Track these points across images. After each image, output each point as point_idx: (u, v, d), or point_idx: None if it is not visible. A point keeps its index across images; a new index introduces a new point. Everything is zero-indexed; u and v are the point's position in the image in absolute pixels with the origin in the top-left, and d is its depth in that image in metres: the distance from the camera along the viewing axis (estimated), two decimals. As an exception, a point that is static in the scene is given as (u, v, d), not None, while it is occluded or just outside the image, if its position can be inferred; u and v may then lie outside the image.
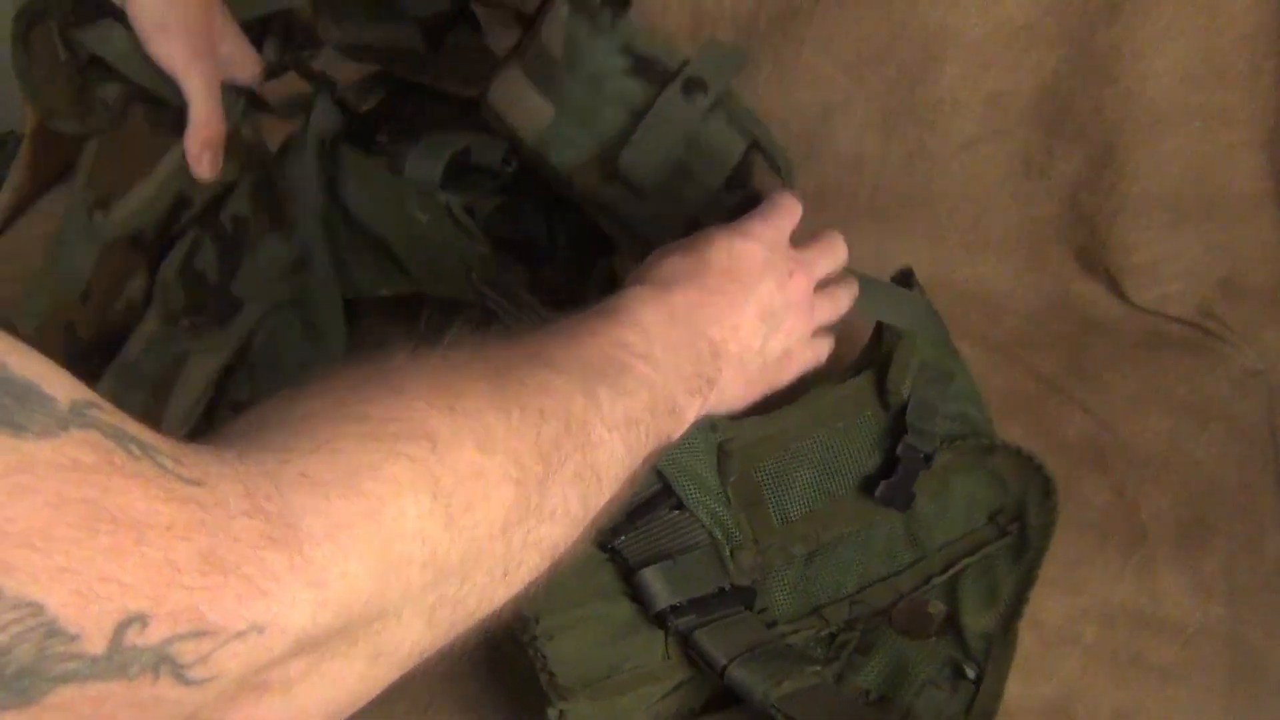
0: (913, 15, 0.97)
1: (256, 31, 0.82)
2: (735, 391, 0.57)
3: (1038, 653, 0.71)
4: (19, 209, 0.99)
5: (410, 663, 0.39)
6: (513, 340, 0.48)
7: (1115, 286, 1.00)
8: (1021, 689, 0.69)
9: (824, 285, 0.66)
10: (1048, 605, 0.74)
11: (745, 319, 0.55)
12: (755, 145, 0.72)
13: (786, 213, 0.62)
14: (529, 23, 0.76)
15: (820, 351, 0.64)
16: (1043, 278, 1.02)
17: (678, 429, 0.51)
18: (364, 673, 0.36)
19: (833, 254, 0.65)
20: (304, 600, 0.31)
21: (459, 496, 0.37)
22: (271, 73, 0.81)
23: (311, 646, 0.32)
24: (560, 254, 0.80)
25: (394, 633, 0.36)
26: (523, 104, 0.74)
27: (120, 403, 0.30)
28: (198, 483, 0.29)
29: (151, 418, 0.72)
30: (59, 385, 0.28)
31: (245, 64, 0.75)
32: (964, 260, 1.03)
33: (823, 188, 1.05)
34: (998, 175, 1.02)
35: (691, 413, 0.52)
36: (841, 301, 0.65)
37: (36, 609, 0.24)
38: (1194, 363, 0.94)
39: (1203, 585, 0.75)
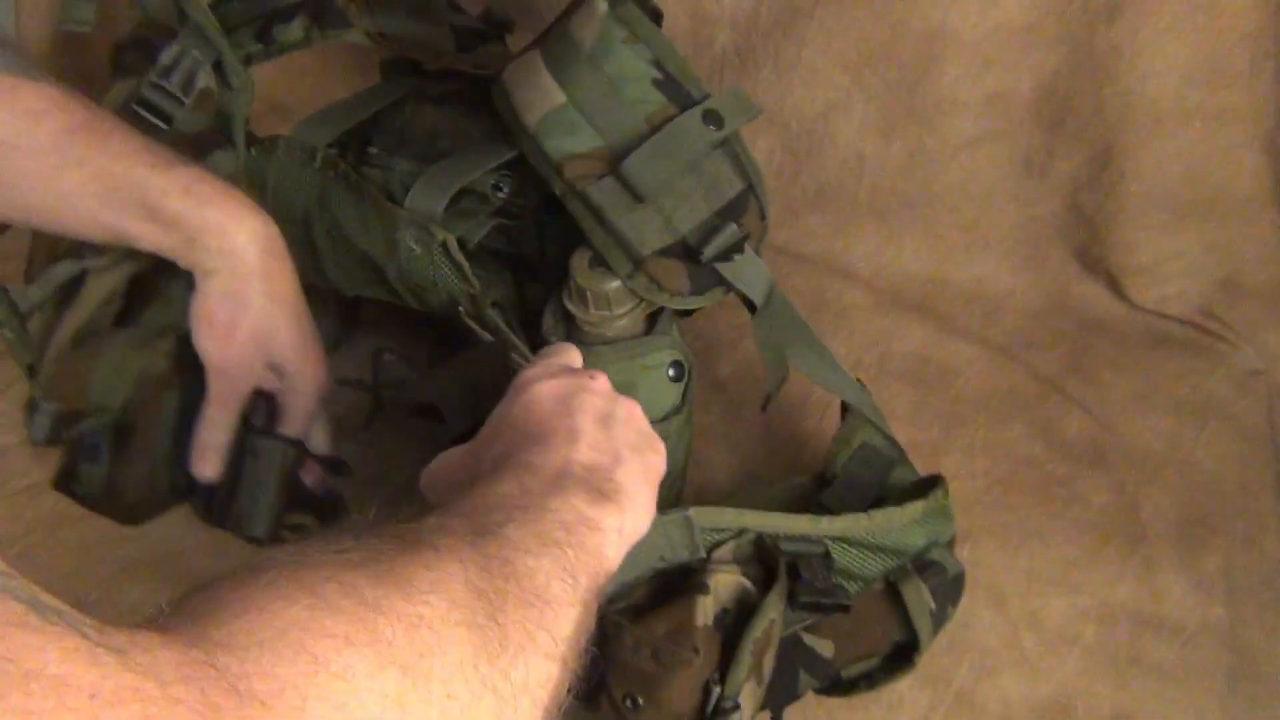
0: (913, 15, 0.97)
1: (289, 11, 0.82)
2: (638, 481, 0.53)
3: (1038, 653, 0.71)
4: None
5: None
6: (394, 528, 0.45)
7: (1115, 286, 1.00)
8: (1022, 689, 0.69)
9: None
10: (1048, 605, 0.74)
11: (588, 428, 0.53)
12: (751, 189, 0.73)
13: (554, 355, 0.63)
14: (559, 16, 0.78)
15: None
16: (1043, 278, 1.02)
17: (603, 542, 0.49)
18: None
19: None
20: None
21: (407, 646, 0.35)
22: (284, 48, 0.81)
23: None
24: (550, 270, 0.80)
25: None
26: (534, 86, 0.74)
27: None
28: (123, 651, 0.27)
29: (48, 331, 0.73)
30: None
31: (303, 385, 0.71)
32: (964, 260, 1.03)
33: (823, 188, 1.06)
34: (998, 175, 1.02)
35: (608, 519, 0.49)
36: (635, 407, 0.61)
37: None
38: (1194, 363, 0.94)
39: (1203, 585, 0.75)
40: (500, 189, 0.77)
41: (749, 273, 0.73)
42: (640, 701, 0.54)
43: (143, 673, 0.27)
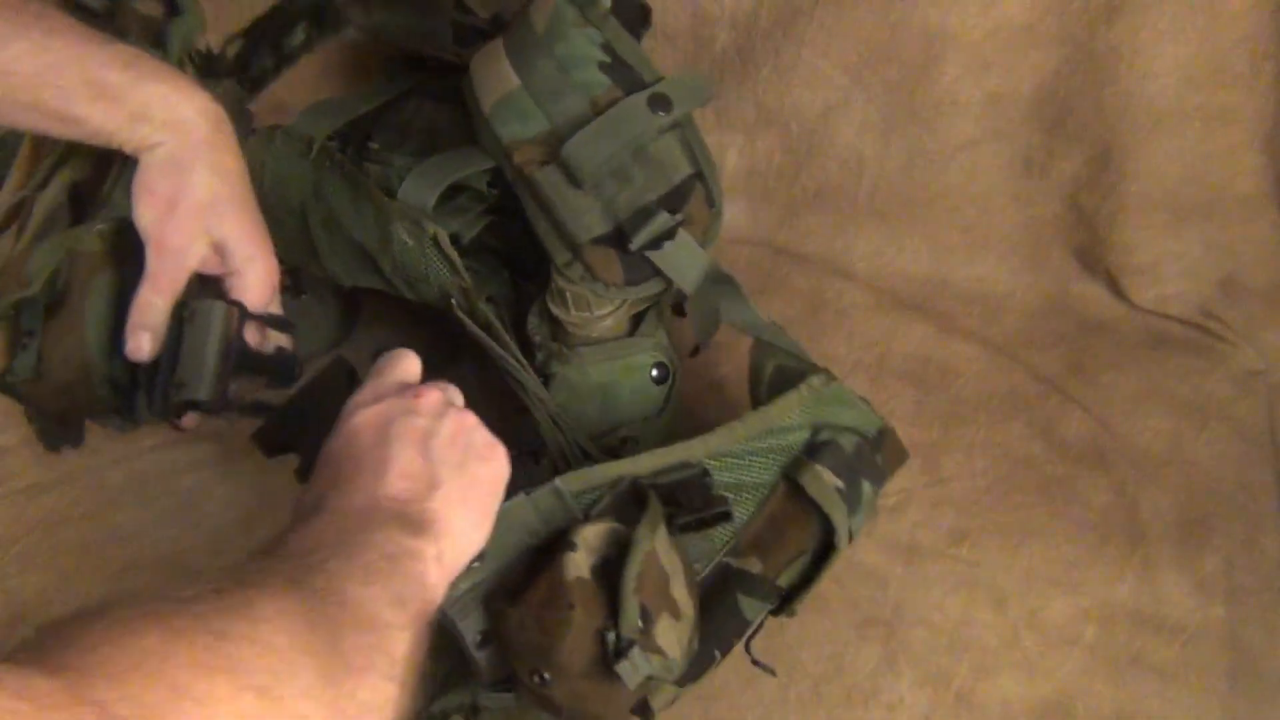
0: (913, 16, 0.97)
1: (287, 17, 0.83)
2: (454, 504, 0.54)
3: (1038, 653, 0.71)
4: (18, 209, 0.99)
5: None
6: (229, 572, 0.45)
7: (1115, 286, 1.01)
8: (1021, 689, 0.69)
9: None
10: (1048, 605, 0.74)
11: (401, 456, 0.53)
12: (699, 175, 0.72)
13: (388, 370, 0.60)
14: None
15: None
16: (1043, 278, 1.02)
17: (425, 570, 0.49)
18: None
19: (445, 384, 0.61)
20: None
21: (260, 671, 0.36)
22: (293, 56, 0.82)
23: None
24: (541, 269, 0.80)
25: None
26: (494, 72, 0.74)
27: None
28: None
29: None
30: None
31: (250, 269, 0.67)
32: (964, 260, 1.03)
33: (823, 188, 1.06)
34: (998, 175, 1.02)
35: (426, 549, 0.50)
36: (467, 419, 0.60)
37: None
38: (1194, 363, 0.94)
39: (1203, 585, 0.75)
40: (494, 186, 0.77)
41: (682, 261, 0.72)
42: (546, 675, 0.54)
43: (19, 697, 0.28)
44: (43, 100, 0.61)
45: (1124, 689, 0.69)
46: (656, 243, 0.70)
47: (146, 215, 0.63)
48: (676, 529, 0.60)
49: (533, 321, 0.78)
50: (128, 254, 0.68)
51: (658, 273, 0.72)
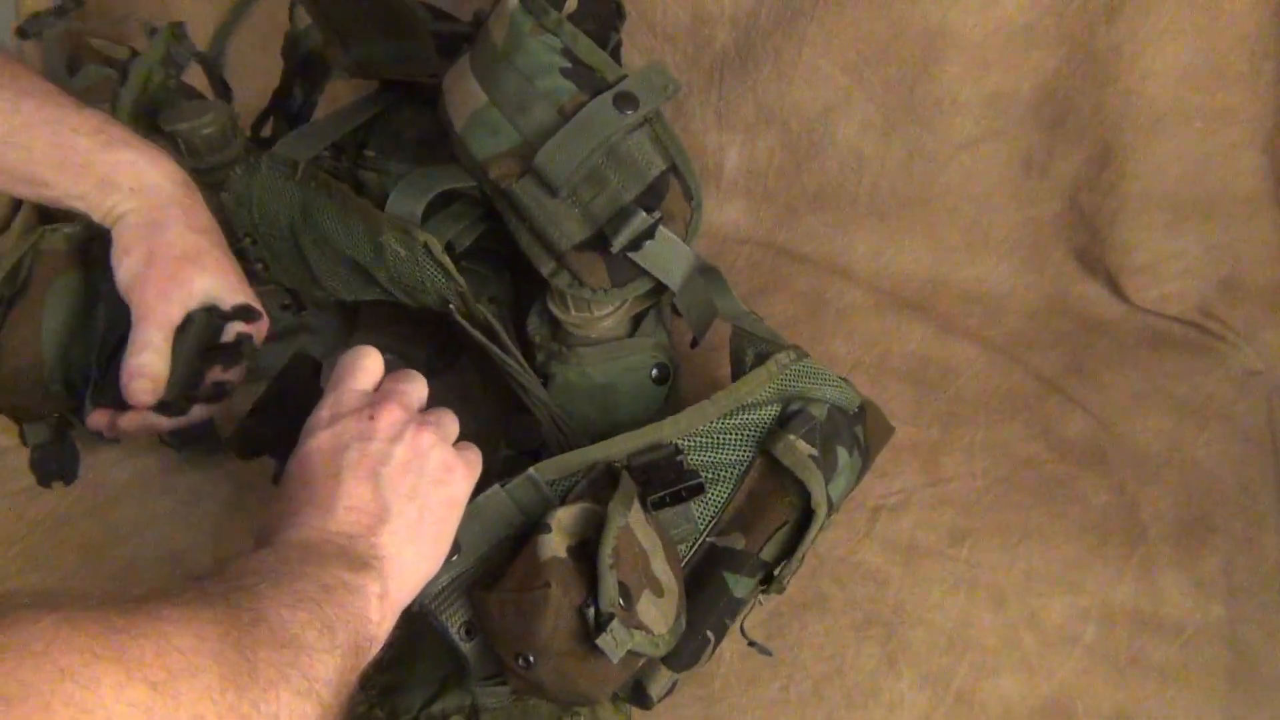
0: (913, 15, 0.97)
1: (288, 85, 0.87)
2: (403, 540, 0.53)
3: (1038, 653, 0.71)
4: (18, 208, 1.00)
5: None
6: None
7: (1115, 286, 1.01)
8: (1021, 689, 0.69)
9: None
10: (1048, 605, 0.74)
11: (351, 490, 0.52)
12: (674, 169, 0.72)
13: (348, 377, 0.58)
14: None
15: (472, 457, 0.59)
16: (1043, 278, 1.02)
17: (365, 605, 0.49)
18: None
19: (408, 380, 0.60)
20: None
21: (155, 666, 0.36)
22: (303, 116, 0.86)
23: None
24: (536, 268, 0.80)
25: None
26: (463, 90, 0.74)
27: None
28: None
29: None
30: None
31: (228, 288, 0.68)
32: (964, 260, 1.03)
33: (823, 187, 1.06)
34: (998, 175, 1.02)
35: (371, 584, 0.49)
36: (445, 418, 0.59)
37: None
38: (1194, 363, 0.94)
39: (1202, 585, 0.75)
40: (485, 191, 0.77)
41: (665, 258, 0.72)
42: (530, 657, 0.54)
43: None
44: (8, 162, 0.62)
45: (1124, 689, 0.69)
46: (637, 243, 0.70)
47: (126, 274, 0.64)
48: (650, 505, 0.61)
49: (533, 322, 0.78)
50: (94, 261, 0.69)
51: (644, 272, 0.72)
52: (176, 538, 0.77)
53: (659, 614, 0.57)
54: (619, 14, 0.80)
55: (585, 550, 0.56)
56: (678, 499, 0.62)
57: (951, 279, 1.03)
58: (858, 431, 0.71)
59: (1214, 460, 0.85)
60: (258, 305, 0.69)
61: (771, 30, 1.00)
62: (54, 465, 0.77)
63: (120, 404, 0.66)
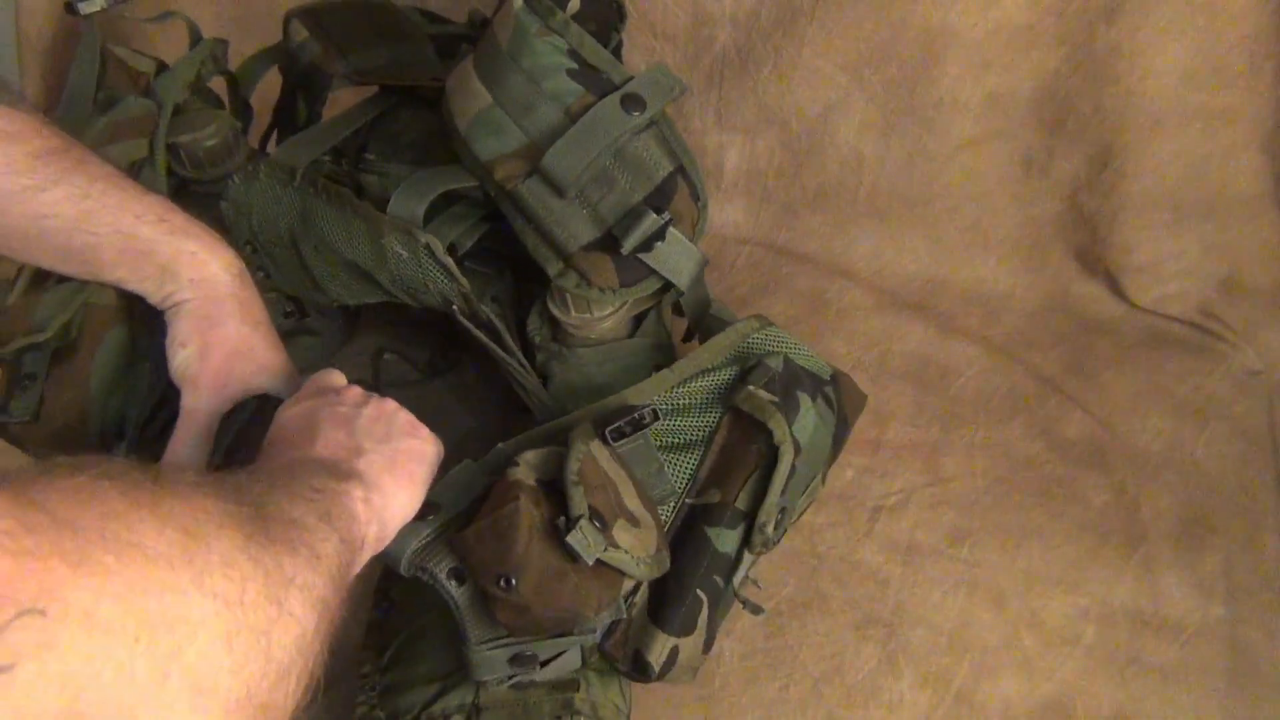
0: (913, 15, 0.97)
1: (290, 98, 0.87)
2: (379, 467, 0.56)
3: (1038, 653, 0.71)
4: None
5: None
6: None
7: (1115, 286, 1.01)
8: (1021, 689, 0.69)
9: None
10: (1048, 605, 0.74)
11: (326, 434, 0.57)
12: (681, 170, 0.72)
13: (312, 383, 0.64)
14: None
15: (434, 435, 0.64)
16: (1043, 278, 1.02)
17: (352, 503, 0.52)
18: None
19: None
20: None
21: (185, 516, 0.38)
22: (306, 123, 0.85)
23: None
24: (540, 270, 0.80)
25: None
26: (466, 91, 0.74)
27: None
28: None
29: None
30: None
31: (277, 380, 0.70)
32: (964, 260, 1.03)
33: (823, 187, 1.06)
34: (998, 175, 1.02)
35: (354, 489, 0.53)
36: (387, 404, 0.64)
37: None
38: (1194, 363, 0.94)
39: (1203, 585, 0.75)
40: (488, 191, 0.77)
41: (675, 258, 0.72)
42: (511, 579, 0.55)
43: None
44: (73, 247, 0.64)
45: (1124, 689, 0.69)
46: (648, 244, 0.70)
47: (181, 366, 0.66)
48: (609, 436, 0.62)
49: (533, 322, 0.78)
50: (140, 312, 0.69)
51: (652, 272, 0.72)
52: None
53: (636, 541, 0.58)
54: (620, 14, 0.80)
55: (553, 487, 0.58)
56: (636, 425, 0.63)
57: (951, 279, 1.03)
58: (829, 392, 0.71)
59: (1214, 460, 0.85)
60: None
61: (771, 30, 1.00)
62: None
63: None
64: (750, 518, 0.65)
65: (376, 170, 0.80)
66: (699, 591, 0.64)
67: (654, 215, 0.70)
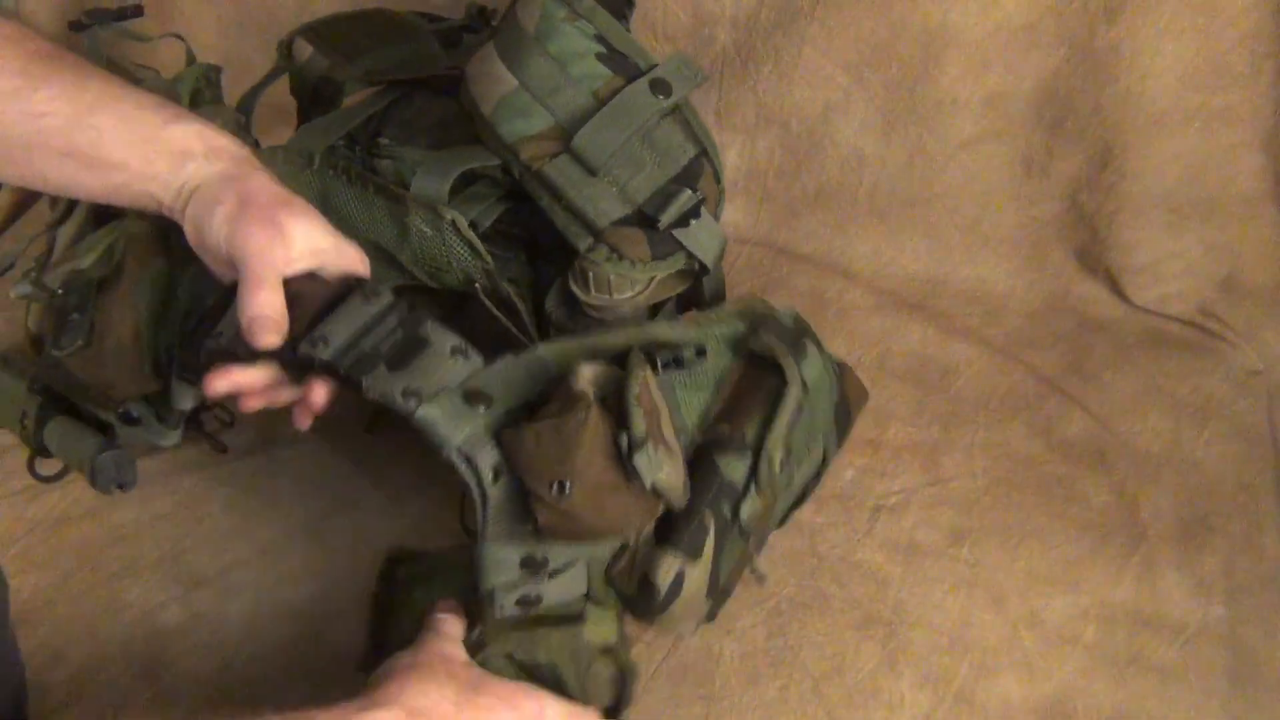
0: (913, 15, 0.97)
1: (307, 110, 0.87)
2: None
3: (1038, 653, 0.71)
4: (19, 209, 1.00)
5: None
6: None
7: (1115, 286, 1.01)
8: (1021, 689, 0.69)
9: None
10: (1048, 605, 0.74)
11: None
12: (705, 153, 0.75)
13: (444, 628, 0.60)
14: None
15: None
16: (1043, 278, 1.02)
17: None
18: None
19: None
20: None
21: None
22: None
23: None
24: (557, 251, 0.81)
25: None
26: (489, 76, 0.76)
27: None
28: None
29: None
30: None
31: (350, 258, 0.65)
32: (964, 260, 1.03)
33: (823, 187, 1.06)
34: (998, 175, 1.02)
35: None
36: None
37: None
38: (1194, 363, 0.94)
39: (1203, 585, 0.75)
40: (509, 172, 0.78)
41: (705, 237, 0.75)
42: (566, 484, 0.55)
43: None
44: (77, 145, 0.60)
45: (1124, 689, 0.69)
46: (684, 219, 0.74)
47: (222, 224, 0.60)
48: (662, 365, 0.62)
49: (551, 301, 0.80)
50: (177, 246, 0.67)
51: (682, 248, 0.74)
52: (176, 538, 0.77)
53: (674, 470, 0.59)
54: (629, 2, 0.81)
55: (605, 404, 0.58)
56: (680, 361, 0.64)
57: (951, 279, 1.03)
58: (833, 365, 0.73)
59: (1214, 460, 0.85)
60: (362, 259, 0.65)
61: (772, 30, 1.00)
62: (114, 471, 0.76)
63: (201, 379, 0.64)
64: (757, 453, 0.65)
65: (391, 154, 0.80)
66: (707, 513, 0.64)
67: (690, 192, 0.73)
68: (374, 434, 0.84)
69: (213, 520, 0.79)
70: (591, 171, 0.73)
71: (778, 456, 0.65)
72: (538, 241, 0.82)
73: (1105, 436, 0.87)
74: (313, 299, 0.62)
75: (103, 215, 0.75)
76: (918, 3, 0.96)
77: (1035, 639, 0.72)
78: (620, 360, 0.62)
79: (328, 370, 0.61)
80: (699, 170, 0.75)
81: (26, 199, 0.97)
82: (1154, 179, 0.98)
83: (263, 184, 0.62)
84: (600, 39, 0.74)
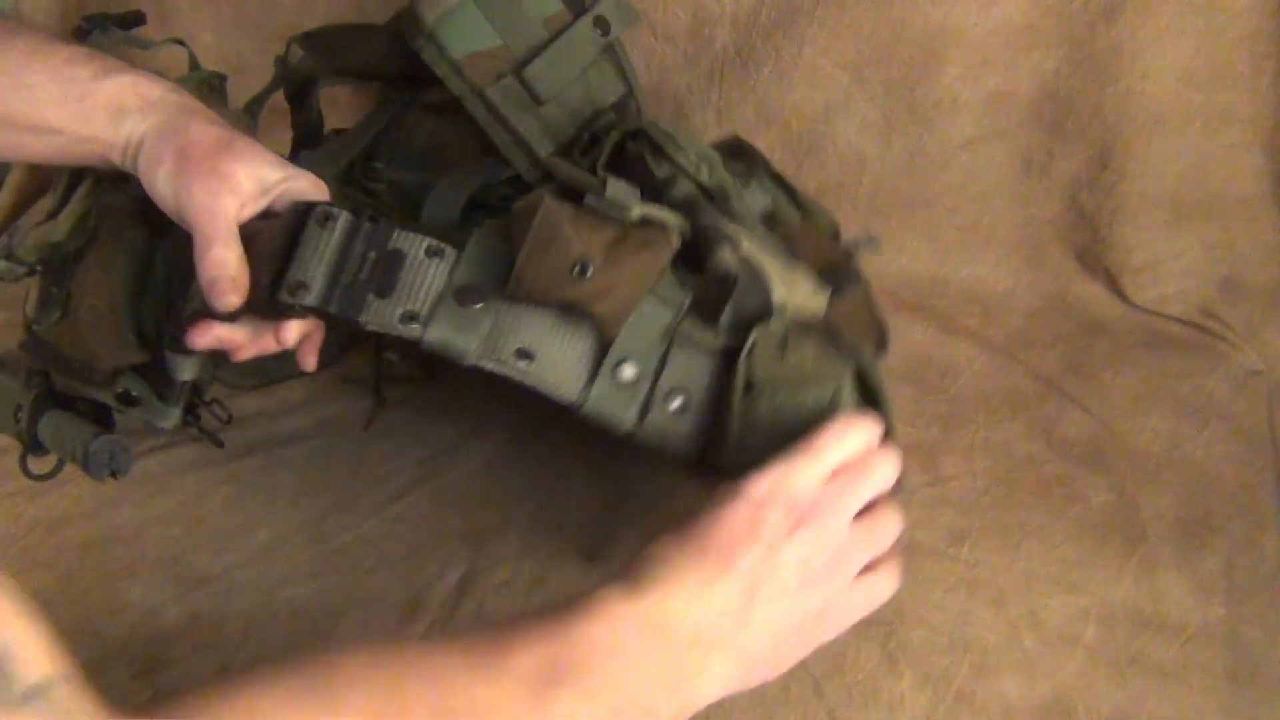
0: (913, 15, 0.97)
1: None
2: (739, 675, 0.53)
3: (1038, 653, 0.71)
4: (19, 209, 0.99)
5: None
6: (474, 640, 0.46)
7: (1115, 286, 1.01)
8: (1021, 689, 0.69)
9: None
10: (1048, 605, 0.74)
11: (734, 599, 0.51)
12: (630, 93, 0.80)
13: (813, 457, 0.54)
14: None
15: (874, 593, 0.57)
16: (1043, 278, 1.02)
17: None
18: None
19: (862, 480, 0.56)
20: None
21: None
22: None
23: None
24: None
25: None
26: None
27: None
28: None
29: None
30: (31, 660, 0.30)
31: (302, 186, 0.63)
32: (964, 260, 1.03)
33: (823, 186, 1.06)
34: (998, 175, 1.02)
35: (671, 713, 0.49)
36: (883, 532, 0.56)
37: None
38: (1194, 363, 0.94)
39: (1203, 585, 0.75)
40: (509, 200, 0.78)
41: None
42: (586, 264, 0.57)
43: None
44: (13, 109, 0.59)
45: (1124, 689, 0.69)
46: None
47: (165, 186, 0.59)
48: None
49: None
50: (158, 217, 0.65)
51: None
52: (176, 538, 0.77)
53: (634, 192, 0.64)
54: None
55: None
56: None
57: (951, 279, 1.03)
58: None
59: (1214, 460, 0.85)
60: (315, 184, 0.63)
61: (772, 30, 1.00)
62: (106, 458, 0.76)
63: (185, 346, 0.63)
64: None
65: (386, 178, 0.81)
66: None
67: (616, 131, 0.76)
68: (368, 432, 0.84)
69: (213, 520, 0.79)
70: (538, 101, 0.76)
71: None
72: None
73: (1105, 436, 0.87)
74: (269, 238, 0.60)
75: (76, 182, 0.74)
76: (918, 3, 0.96)
77: (1035, 639, 0.72)
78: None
79: (317, 315, 0.60)
80: (626, 107, 0.79)
81: (30, 195, 0.97)
82: (1154, 179, 0.98)
83: (201, 132, 0.60)
84: None
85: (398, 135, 0.84)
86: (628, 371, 0.59)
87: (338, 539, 0.77)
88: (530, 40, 0.76)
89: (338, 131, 0.87)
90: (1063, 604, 0.74)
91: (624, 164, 0.74)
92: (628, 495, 0.79)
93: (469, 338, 0.58)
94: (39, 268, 0.71)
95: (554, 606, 0.49)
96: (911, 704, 0.69)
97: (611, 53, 0.78)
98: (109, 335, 0.71)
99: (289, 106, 0.88)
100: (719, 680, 0.51)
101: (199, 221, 0.58)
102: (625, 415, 0.60)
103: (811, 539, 0.53)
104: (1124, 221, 1.00)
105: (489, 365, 0.59)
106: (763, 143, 1.04)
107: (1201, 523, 0.80)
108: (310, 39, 0.85)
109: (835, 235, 0.80)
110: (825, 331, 0.62)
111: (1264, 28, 0.92)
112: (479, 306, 0.59)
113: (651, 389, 0.60)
